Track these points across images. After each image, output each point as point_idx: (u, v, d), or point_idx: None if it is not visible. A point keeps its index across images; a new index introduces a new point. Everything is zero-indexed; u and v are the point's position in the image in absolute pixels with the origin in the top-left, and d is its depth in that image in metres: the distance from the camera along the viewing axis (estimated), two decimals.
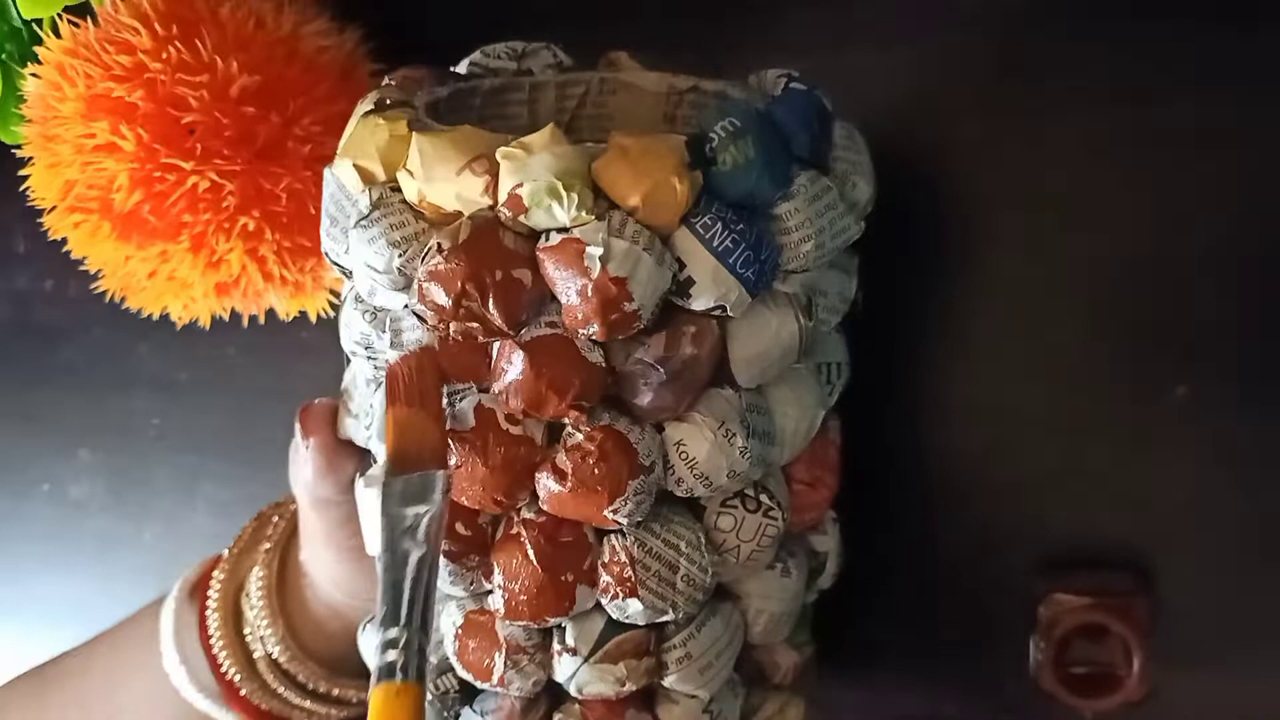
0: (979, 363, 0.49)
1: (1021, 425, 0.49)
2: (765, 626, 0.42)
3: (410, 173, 0.37)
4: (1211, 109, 0.46)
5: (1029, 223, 0.48)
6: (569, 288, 0.35)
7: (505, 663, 0.40)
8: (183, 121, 0.47)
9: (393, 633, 0.34)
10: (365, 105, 0.40)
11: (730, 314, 0.37)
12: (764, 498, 0.40)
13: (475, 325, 0.36)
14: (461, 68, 0.45)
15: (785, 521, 0.41)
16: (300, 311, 0.55)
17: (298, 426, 0.45)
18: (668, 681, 0.40)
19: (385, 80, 0.43)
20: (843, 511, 0.46)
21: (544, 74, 0.46)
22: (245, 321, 0.55)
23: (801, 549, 0.44)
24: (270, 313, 0.55)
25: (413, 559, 0.35)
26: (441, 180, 0.37)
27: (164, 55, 0.47)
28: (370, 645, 0.34)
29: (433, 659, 0.43)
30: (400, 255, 0.37)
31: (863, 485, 0.47)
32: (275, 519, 0.52)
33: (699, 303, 0.37)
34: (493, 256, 0.36)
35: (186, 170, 0.47)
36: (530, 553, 0.38)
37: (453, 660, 0.41)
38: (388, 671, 0.34)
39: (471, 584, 0.40)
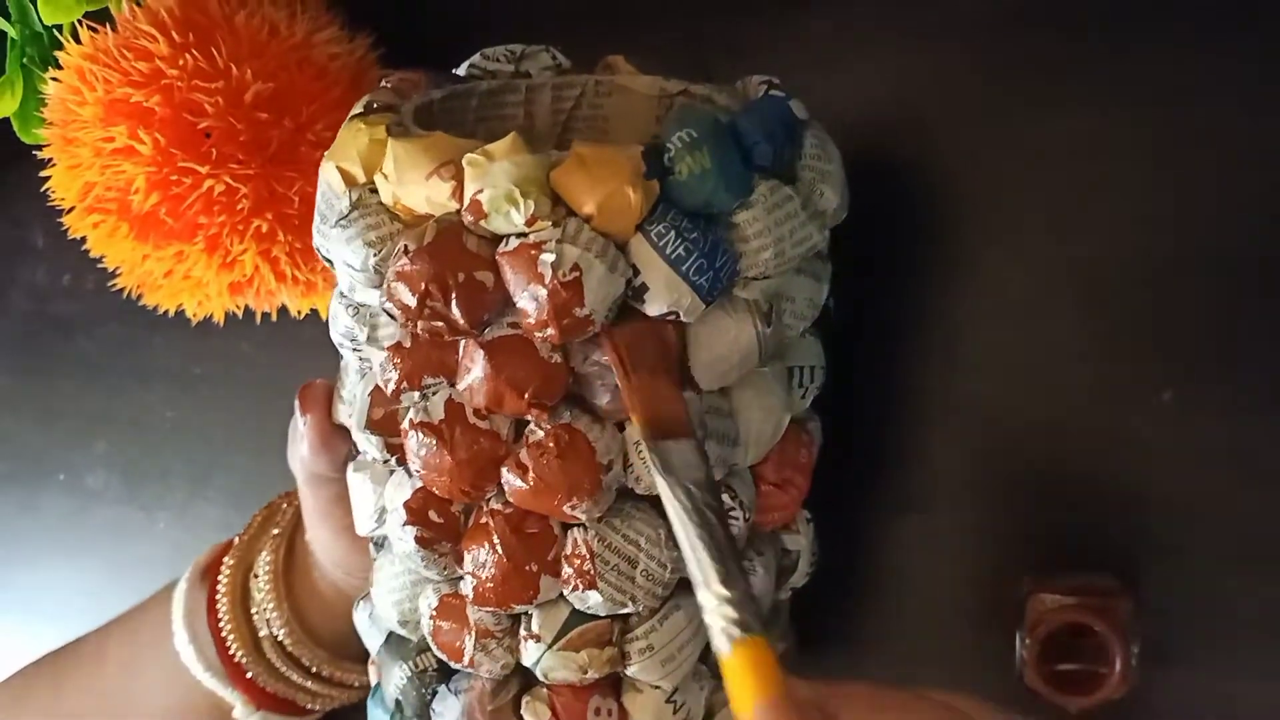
0: (966, 365, 0.50)
1: (1011, 427, 0.49)
2: None
3: (386, 176, 0.39)
4: (1198, 113, 0.46)
5: (1017, 227, 0.49)
6: (524, 291, 0.37)
7: (475, 645, 0.41)
8: (198, 126, 0.48)
9: (718, 591, 0.34)
10: (356, 109, 0.42)
11: (685, 319, 0.38)
12: (726, 498, 0.41)
13: (440, 324, 0.38)
14: (461, 70, 0.46)
15: (747, 522, 0.42)
16: (312, 309, 0.56)
17: (297, 404, 0.46)
18: (630, 671, 0.42)
19: (382, 82, 0.44)
20: (830, 510, 0.47)
21: (540, 76, 0.47)
22: (258, 318, 0.56)
23: (771, 548, 0.45)
24: (283, 309, 0.56)
25: (704, 526, 0.35)
26: (413, 184, 0.38)
27: (180, 62, 0.48)
28: (708, 612, 0.34)
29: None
30: (375, 254, 0.39)
31: (851, 484, 0.48)
32: (284, 507, 0.54)
33: (653, 308, 0.38)
34: (456, 259, 0.37)
35: (202, 174, 0.48)
36: (497, 542, 0.40)
37: (429, 640, 0.43)
38: (735, 628, 0.33)
39: (445, 569, 0.41)
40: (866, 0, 0.51)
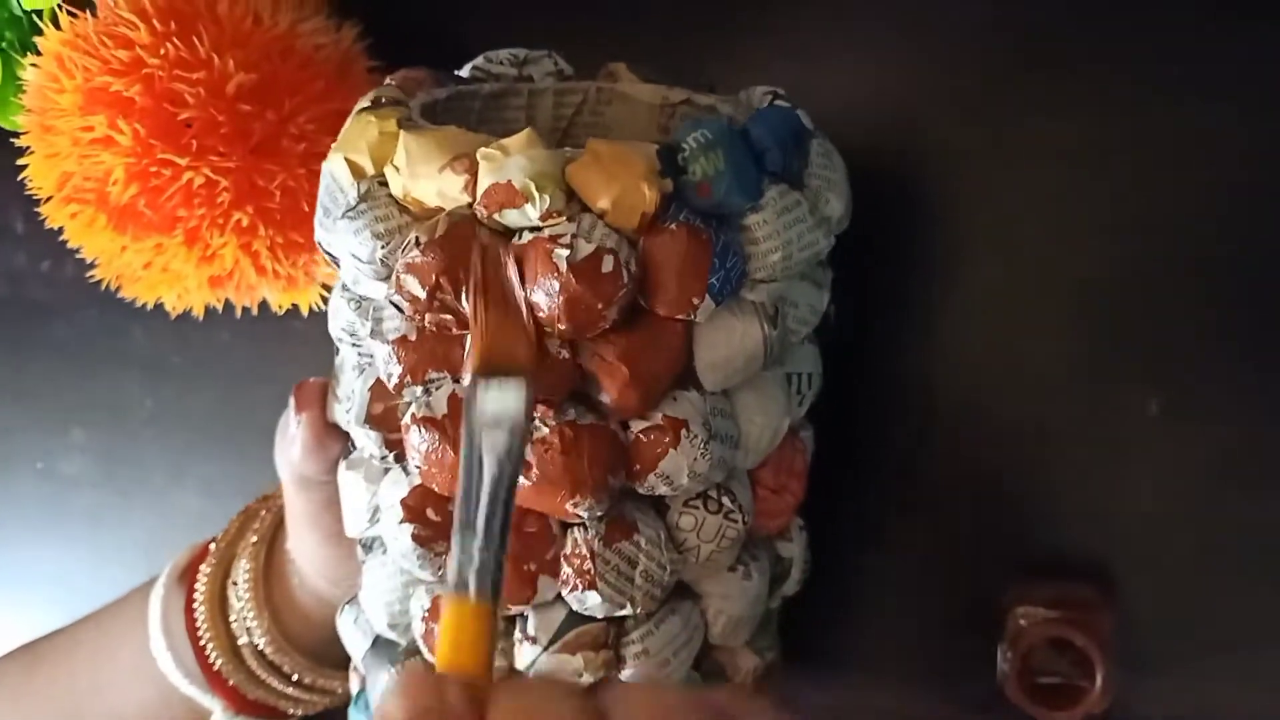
0: (953, 372, 0.50)
1: (994, 435, 0.50)
2: (724, 628, 0.43)
3: (397, 168, 0.39)
4: (1188, 118, 0.46)
5: (1006, 233, 0.49)
6: (537, 285, 0.36)
7: None
8: (179, 117, 0.47)
9: (470, 544, 0.33)
10: (363, 103, 0.42)
11: (695, 318, 0.38)
12: (726, 500, 0.41)
13: (449, 317, 0.37)
14: (464, 71, 0.46)
15: (746, 525, 0.41)
16: (292, 304, 0.55)
17: (291, 402, 0.46)
18: (625, 675, 0.41)
19: (386, 80, 0.44)
20: (815, 518, 0.47)
21: (543, 82, 0.46)
22: (238, 310, 0.55)
23: (765, 554, 0.45)
24: (263, 301, 0.55)
25: (489, 473, 0.34)
26: (425, 177, 0.38)
27: (162, 51, 0.47)
28: (450, 555, 0.34)
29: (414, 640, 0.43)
30: (384, 247, 0.39)
31: (836, 493, 0.47)
32: (262, 513, 0.53)
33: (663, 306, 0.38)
34: (467, 252, 0.37)
35: (182, 165, 0.48)
36: None
37: (419, 643, 0.42)
38: (462, 584, 0.33)
39: (440, 569, 0.41)
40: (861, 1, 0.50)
